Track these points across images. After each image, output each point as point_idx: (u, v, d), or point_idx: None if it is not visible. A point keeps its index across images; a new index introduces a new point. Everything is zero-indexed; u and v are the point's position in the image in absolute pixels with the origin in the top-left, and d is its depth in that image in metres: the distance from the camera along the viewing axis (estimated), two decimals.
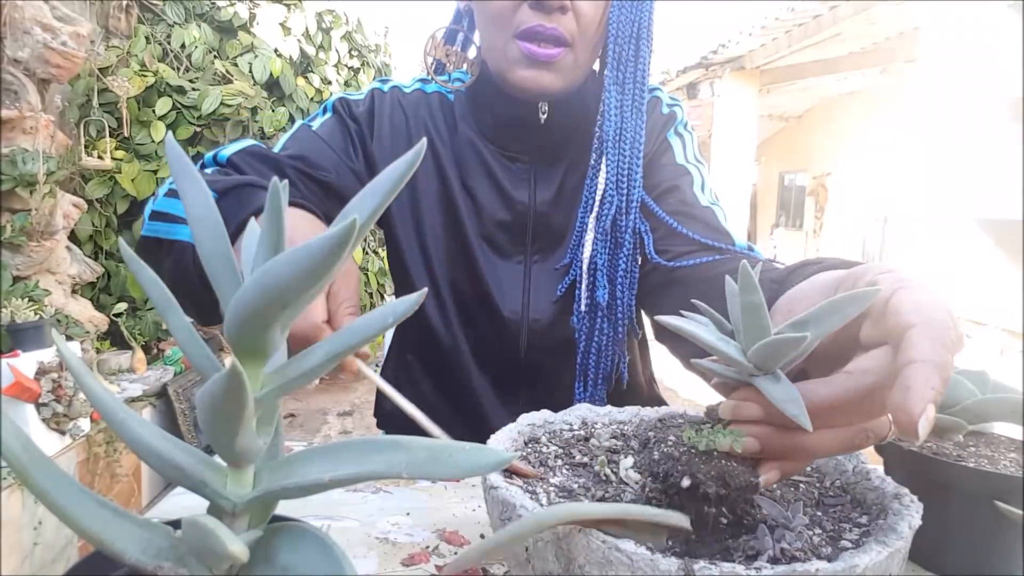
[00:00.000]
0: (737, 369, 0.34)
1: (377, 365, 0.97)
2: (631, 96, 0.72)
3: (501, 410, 0.79)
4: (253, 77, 3.51)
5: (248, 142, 0.70)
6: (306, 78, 4.06)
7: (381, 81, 0.82)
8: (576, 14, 0.68)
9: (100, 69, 2.87)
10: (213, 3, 3.54)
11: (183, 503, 0.57)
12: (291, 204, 0.54)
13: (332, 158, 0.73)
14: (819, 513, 0.38)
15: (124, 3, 3.12)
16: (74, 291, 2.70)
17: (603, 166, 0.72)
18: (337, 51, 4.39)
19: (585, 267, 0.73)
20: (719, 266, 0.66)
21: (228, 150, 0.69)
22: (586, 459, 0.44)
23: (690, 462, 0.33)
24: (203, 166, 0.70)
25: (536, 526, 0.31)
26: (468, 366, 0.79)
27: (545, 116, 0.75)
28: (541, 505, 0.36)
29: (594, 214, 0.73)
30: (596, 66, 0.78)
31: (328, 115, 0.78)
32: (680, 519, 0.32)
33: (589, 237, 0.73)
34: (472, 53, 0.80)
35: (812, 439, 0.33)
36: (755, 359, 0.33)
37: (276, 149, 0.73)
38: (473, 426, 0.80)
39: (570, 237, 0.76)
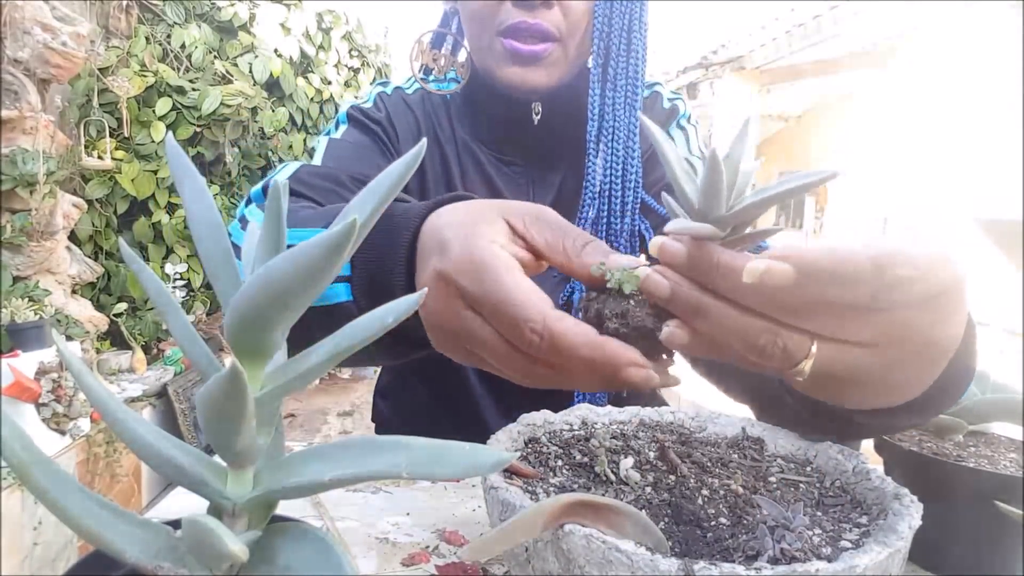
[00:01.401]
0: (684, 212, 0.34)
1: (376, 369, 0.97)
2: (623, 92, 0.69)
3: (499, 415, 0.78)
4: (253, 77, 3.51)
5: (296, 165, 0.66)
6: (306, 78, 4.06)
7: (382, 84, 0.81)
8: (563, 8, 0.66)
9: (100, 69, 2.87)
10: (213, 3, 3.54)
11: (183, 503, 0.57)
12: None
13: (373, 163, 0.71)
14: (819, 513, 0.38)
15: (124, 3, 3.12)
16: (74, 291, 2.70)
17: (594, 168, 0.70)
18: (337, 51, 4.39)
19: None
20: None
21: (279, 178, 0.65)
22: (586, 459, 0.44)
23: (607, 299, 0.35)
24: (249, 200, 0.62)
25: (554, 502, 0.31)
26: (467, 372, 0.78)
27: (539, 117, 0.73)
28: None
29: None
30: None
31: (347, 125, 0.76)
32: (660, 540, 0.32)
33: None
34: (462, 56, 0.78)
35: (719, 308, 0.31)
36: (702, 201, 0.32)
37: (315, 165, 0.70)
38: (471, 429, 0.79)
39: None
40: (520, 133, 0.75)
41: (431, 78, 0.78)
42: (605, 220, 0.70)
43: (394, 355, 0.48)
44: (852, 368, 0.32)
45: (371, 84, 1.02)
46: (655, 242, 0.33)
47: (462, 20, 0.74)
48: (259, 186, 0.64)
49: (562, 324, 0.33)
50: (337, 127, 0.76)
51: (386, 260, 0.42)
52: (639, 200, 0.71)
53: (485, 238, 0.36)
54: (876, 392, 0.35)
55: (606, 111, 0.69)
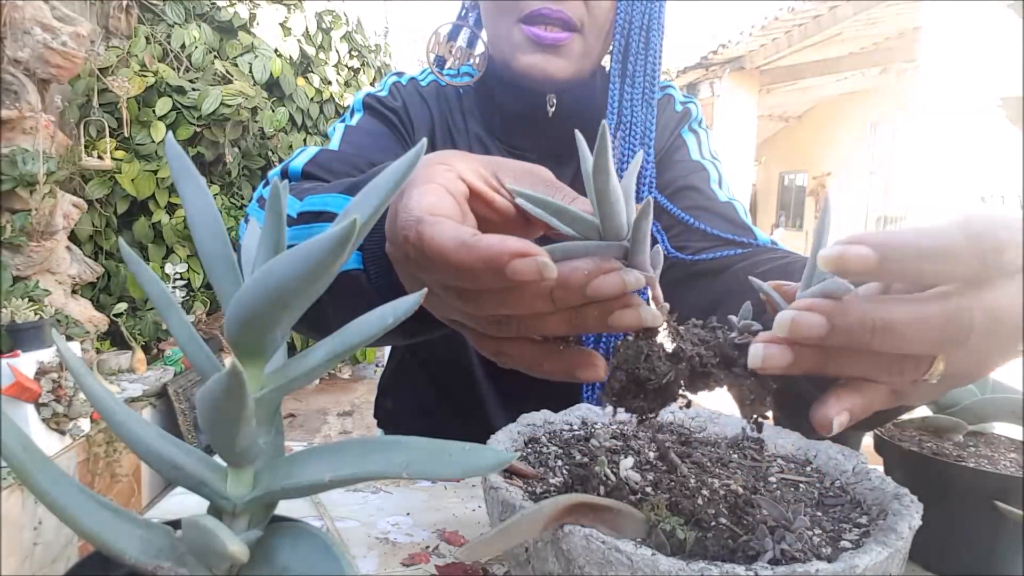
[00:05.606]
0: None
1: (378, 365, 0.97)
2: (641, 90, 0.70)
3: (504, 412, 0.78)
4: (253, 77, 3.51)
5: (315, 150, 0.66)
6: (306, 78, 4.07)
7: (396, 74, 0.81)
8: (587, 5, 0.67)
9: (100, 69, 2.87)
10: (213, 3, 3.54)
11: (183, 503, 0.57)
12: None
13: (390, 151, 0.71)
14: (819, 513, 0.38)
15: (124, 3, 3.12)
16: (74, 291, 2.70)
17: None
18: (337, 51, 4.40)
19: None
20: (742, 259, 0.64)
21: (298, 162, 0.65)
22: (586, 459, 0.44)
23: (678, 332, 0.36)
24: (267, 184, 0.62)
25: (554, 502, 0.31)
26: (474, 370, 0.78)
27: (553, 109, 0.73)
28: None
29: None
30: (607, 62, 0.76)
31: (362, 113, 0.75)
32: (660, 541, 0.32)
33: None
34: (479, 49, 0.79)
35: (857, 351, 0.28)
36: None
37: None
38: (475, 426, 0.79)
39: None
40: (533, 126, 0.75)
41: (445, 71, 0.79)
42: None
43: (405, 333, 0.47)
44: (975, 361, 0.30)
45: (370, 81, 1.02)
46: (783, 320, 0.29)
47: (482, 10, 0.74)
48: (278, 169, 0.65)
49: (434, 228, 0.29)
50: (352, 115, 0.76)
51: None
52: (653, 199, 0.71)
53: (443, 165, 0.34)
54: (974, 376, 0.32)
55: (624, 106, 0.70)
